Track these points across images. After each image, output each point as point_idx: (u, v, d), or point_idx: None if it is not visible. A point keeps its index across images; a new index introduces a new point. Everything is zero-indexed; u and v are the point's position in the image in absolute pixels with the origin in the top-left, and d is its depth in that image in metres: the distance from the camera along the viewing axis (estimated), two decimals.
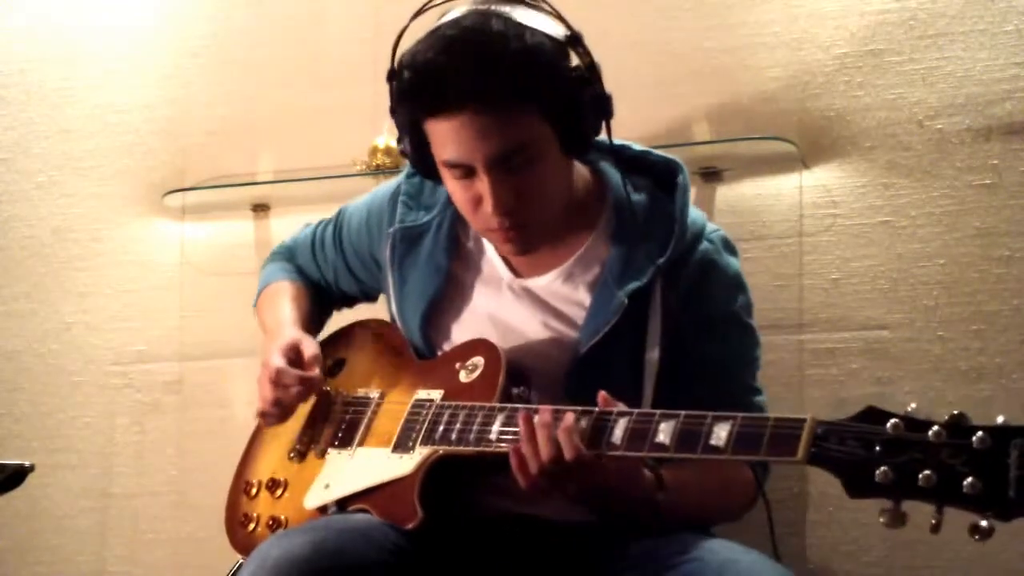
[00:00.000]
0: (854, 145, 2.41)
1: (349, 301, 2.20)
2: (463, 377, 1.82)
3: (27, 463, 1.95)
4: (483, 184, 1.75)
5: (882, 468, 1.31)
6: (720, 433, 1.48)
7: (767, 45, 2.48)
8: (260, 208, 2.81)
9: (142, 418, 2.85)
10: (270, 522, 1.91)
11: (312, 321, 2.10)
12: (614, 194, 1.88)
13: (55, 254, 2.95)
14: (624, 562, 1.70)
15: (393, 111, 1.82)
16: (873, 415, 1.35)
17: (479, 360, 1.82)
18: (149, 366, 2.86)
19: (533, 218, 1.79)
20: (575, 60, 1.75)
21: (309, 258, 2.17)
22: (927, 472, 1.28)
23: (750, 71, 2.48)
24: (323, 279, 2.17)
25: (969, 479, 1.26)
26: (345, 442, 1.89)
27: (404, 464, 1.76)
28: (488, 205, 1.75)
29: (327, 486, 1.85)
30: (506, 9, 1.73)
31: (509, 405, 1.72)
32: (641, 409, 1.61)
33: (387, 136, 2.54)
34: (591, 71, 1.76)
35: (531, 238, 1.82)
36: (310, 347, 1.95)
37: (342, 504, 1.82)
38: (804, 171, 2.43)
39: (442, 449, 1.74)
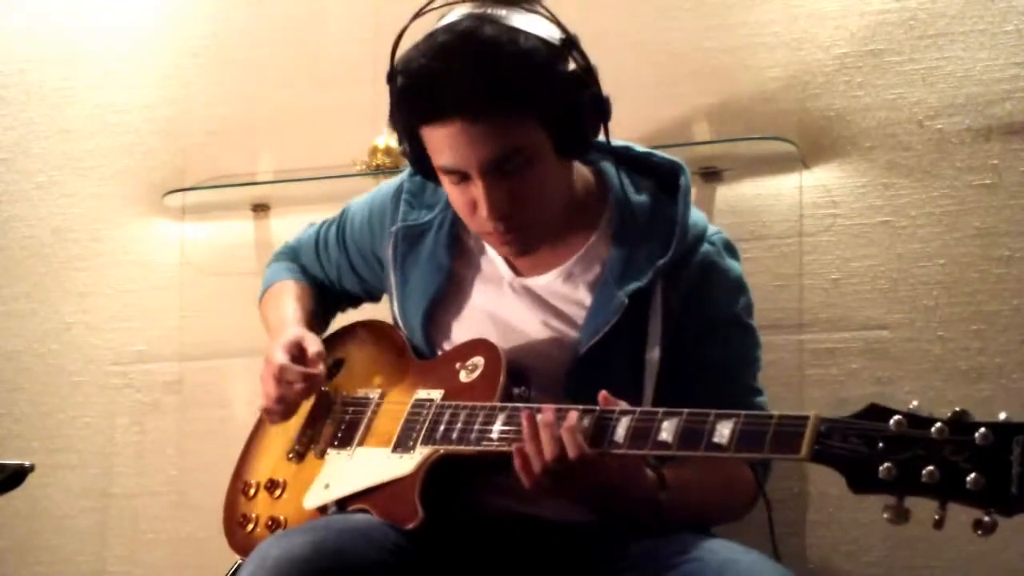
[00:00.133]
0: (854, 145, 2.42)
1: (353, 301, 2.20)
2: (463, 377, 1.82)
3: (27, 463, 1.94)
4: (477, 189, 1.75)
5: (885, 464, 1.31)
6: (723, 431, 1.48)
7: (767, 45, 2.48)
8: (260, 208, 2.81)
9: (142, 418, 2.85)
10: (269, 522, 1.90)
11: (316, 320, 2.10)
12: (616, 195, 1.88)
13: (55, 254, 2.95)
14: (624, 562, 1.70)
15: (391, 115, 1.82)
16: (876, 412, 1.35)
17: (479, 360, 1.82)
18: (149, 366, 2.86)
19: (529, 221, 1.79)
20: (571, 64, 1.74)
21: (313, 257, 2.17)
22: (930, 468, 1.29)
23: (750, 71, 2.48)
24: (327, 278, 2.17)
25: (972, 475, 1.26)
26: (345, 442, 1.89)
27: (405, 464, 1.76)
28: (483, 210, 1.76)
29: (327, 486, 1.85)
30: (502, 13, 1.73)
31: (510, 404, 1.72)
32: (643, 407, 1.61)
33: (387, 136, 2.54)
34: (587, 74, 1.75)
35: (528, 240, 1.83)
36: (313, 344, 1.95)
37: (342, 504, 1.82)
38: (804, 171, 2.43)
39: (443, 449, 1.74)
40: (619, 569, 1.70)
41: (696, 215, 1.90)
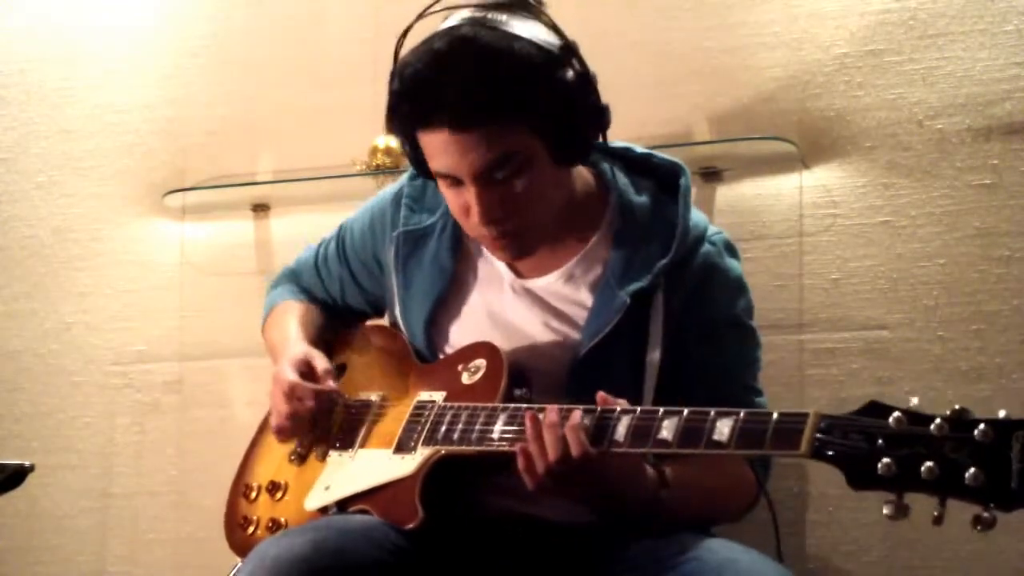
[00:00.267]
0: (854, 145, 2.42)
1: (358, 316, 2.17)
2: (465, 379, 1.83)
3: (27, 463, 1.95)
4: (470, 194, 1.75)
5: (885, 461, 1.31)
6: (723, 429, 1.48)
7: (767, 45, 2.48)
8: (260, 208, 2.81)
9: (142, 418, 2.85)
10: (270, 524, 1.91)
11: (321, 338, 2.08)
12: (616, 196, 1.88)
13: (55, 254, 2.95)
14: (624, 563, 1.70)
15: (388, 118, 1.82)
16: (876, 409, 1.35)
17: (481, 362, 1.82)
18: (149, 366, 2.86)
19: (522, 226, 1.79)
20: (569, 72, 1.72)
21: (314, 276, 2.17)
22: (930, 464, 1.29)
23: (750, 71, 2.48)
24: (329, 297, 2.16)
25: (971, 470, 1.26)
26: (346, 444, 1.89)
27: (406, 464, 1.76)
28: (475, 215, 1.76)
29: (328, 488, 1.85)
30: (502, 18, 1.72)
31: (512, 405, 1.72)
32: (644, 406, 1.61)
33: (387, 136, 2.54)
34: (585, 82, 1.74)
35: (521, 245, 1.82)
36: (321, 361, 1.95)
37: (343, 505, 1.82)
38: (804, 171, 2.43)
39: (444, 449, 1.74)
40: (619, 569, 1.70)
41: (697, 215, 1.89)
